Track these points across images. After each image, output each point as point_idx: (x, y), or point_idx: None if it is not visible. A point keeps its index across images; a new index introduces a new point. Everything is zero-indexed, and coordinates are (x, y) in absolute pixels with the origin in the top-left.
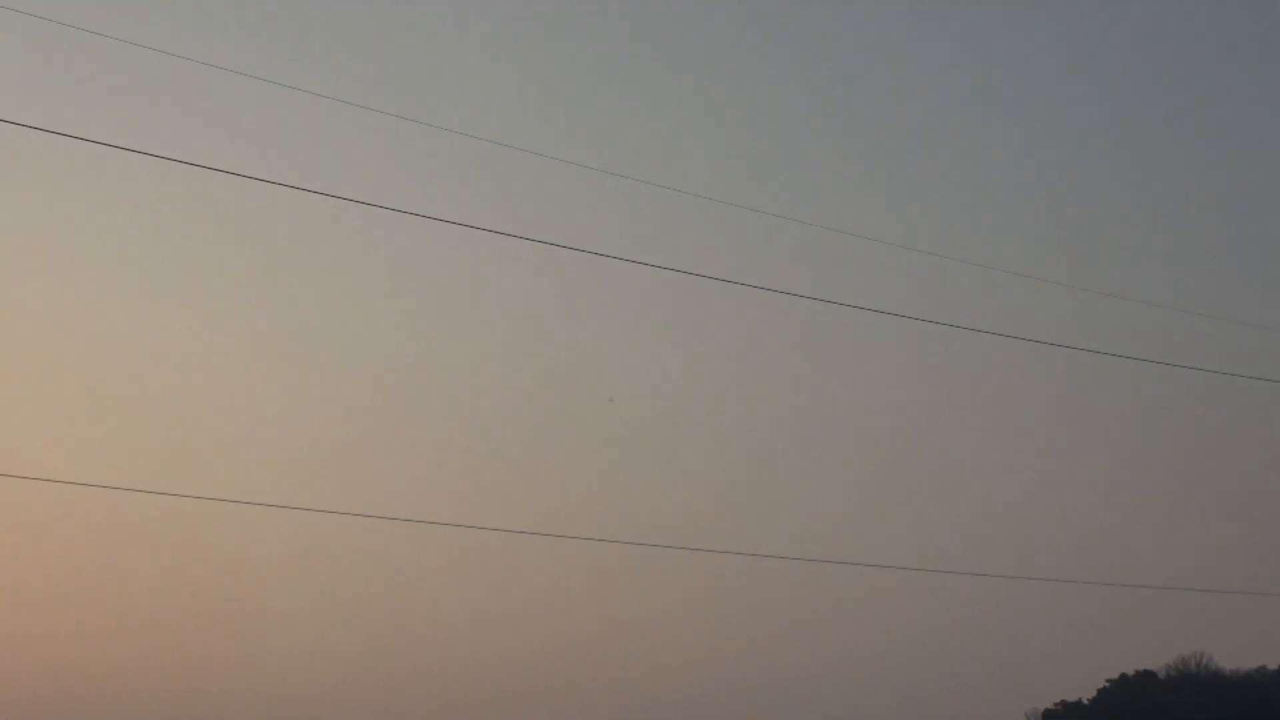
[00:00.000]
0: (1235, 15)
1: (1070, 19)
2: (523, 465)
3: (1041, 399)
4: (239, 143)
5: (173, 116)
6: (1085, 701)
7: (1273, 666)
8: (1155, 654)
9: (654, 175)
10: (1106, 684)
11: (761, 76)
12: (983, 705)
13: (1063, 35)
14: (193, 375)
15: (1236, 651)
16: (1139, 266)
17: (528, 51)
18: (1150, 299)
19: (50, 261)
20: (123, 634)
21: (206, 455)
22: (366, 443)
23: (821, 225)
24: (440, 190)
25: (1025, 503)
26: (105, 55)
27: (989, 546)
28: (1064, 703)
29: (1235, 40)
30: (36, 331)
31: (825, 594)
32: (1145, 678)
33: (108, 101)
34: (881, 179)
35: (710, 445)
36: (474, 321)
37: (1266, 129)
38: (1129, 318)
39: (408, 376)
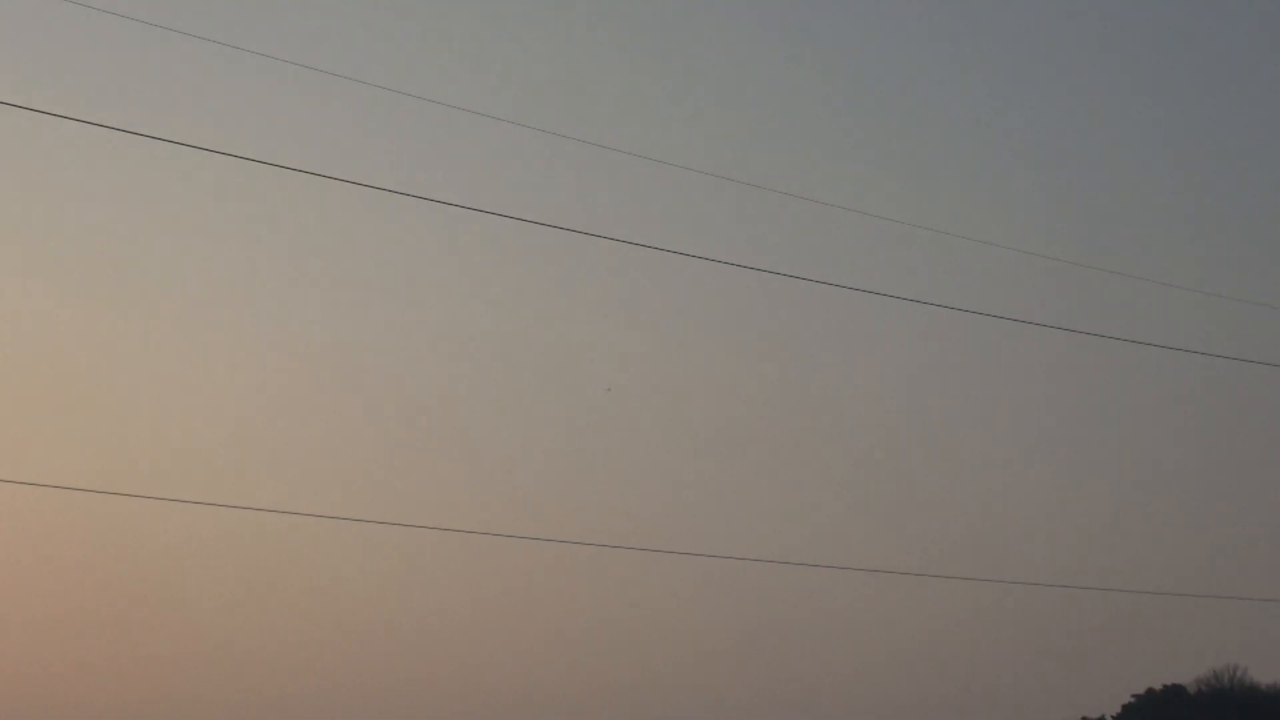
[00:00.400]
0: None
1: None
2: (512, 462)
3: (1058, 389)
4: (209, 120)
5: (155, 97)
6: (1108, 719)
7: None
8: (1185, 667)
9: (653, 152)
10: (1132, 700)
11: (755, 50)
12: None
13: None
14: (139, 373)
15: (1273, 664)
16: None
17: (523, 27)
18: (1187, 283)
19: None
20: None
21: (179, 457)
22: (346, 441)
23: (828, 204)
24: (417, 165)
25: (1040, 501)
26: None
27: (999, 548)
28: None
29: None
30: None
31: (819, 600)
32: (1174, 693)
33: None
34: (880, 156)
35: (711, 440)
36: (458, 306)
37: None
38: (1151, 300)
39: (388, 367)
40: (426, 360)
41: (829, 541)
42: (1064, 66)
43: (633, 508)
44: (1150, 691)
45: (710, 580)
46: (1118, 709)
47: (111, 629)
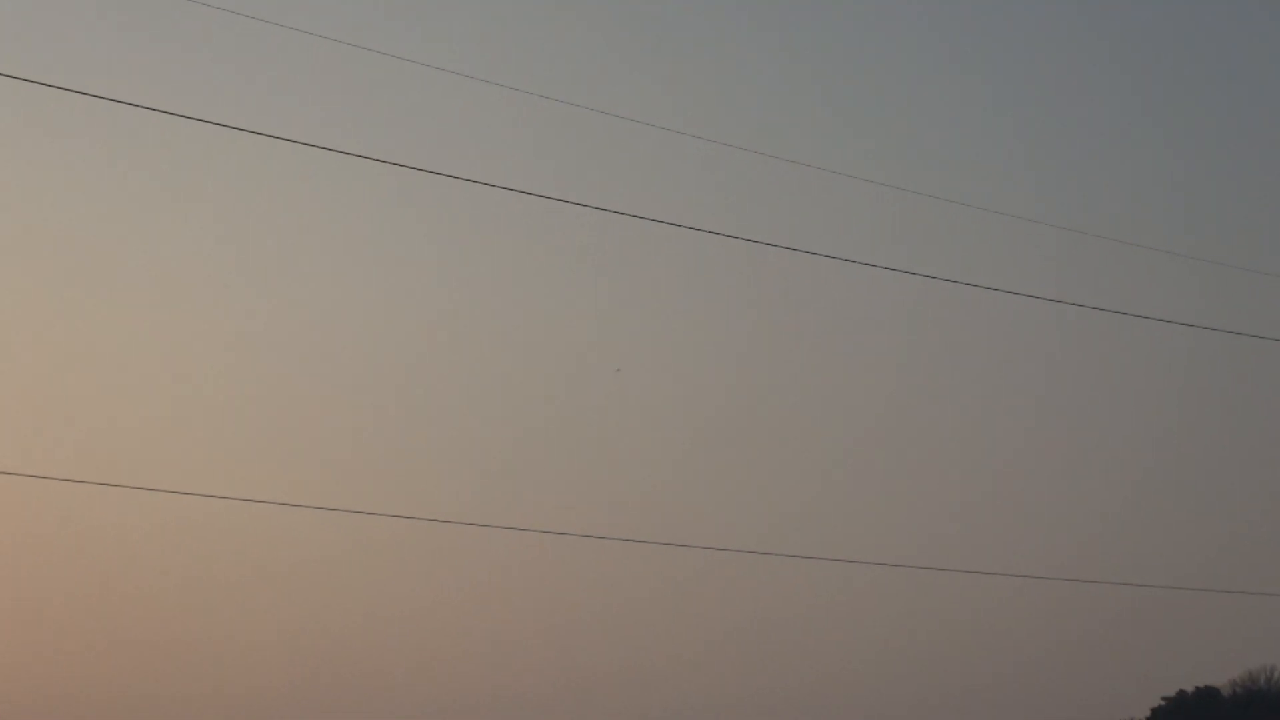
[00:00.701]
0: None
1: None
2: (515, 452)
3: (1080, 366)
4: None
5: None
6: None
7: None
8: (1219, 668)
9: (665, 120)
10: (1162, 703)
11: (747, 14)
12: None
13: None
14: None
15: None
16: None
17: None
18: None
19: None
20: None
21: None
22: (331, 426)
23: (851, 176)
24: (410, 134)
25: (1060, 487)
26: None
27: (1012, 539)
28: None
29: None
30: None
31: (818, 594)
32: (1207, 696)
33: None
34: (888, 117)
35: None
36: (454, 283)
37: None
38: (1170, 272)
39: (380, 349)
40: (420, 341)
41: (842, 533)
42: (1063, 29)
43: (642, 496)
44: (1181, 694)
45: (712, 573)
46: (1146, 712)
47: (86, 621)
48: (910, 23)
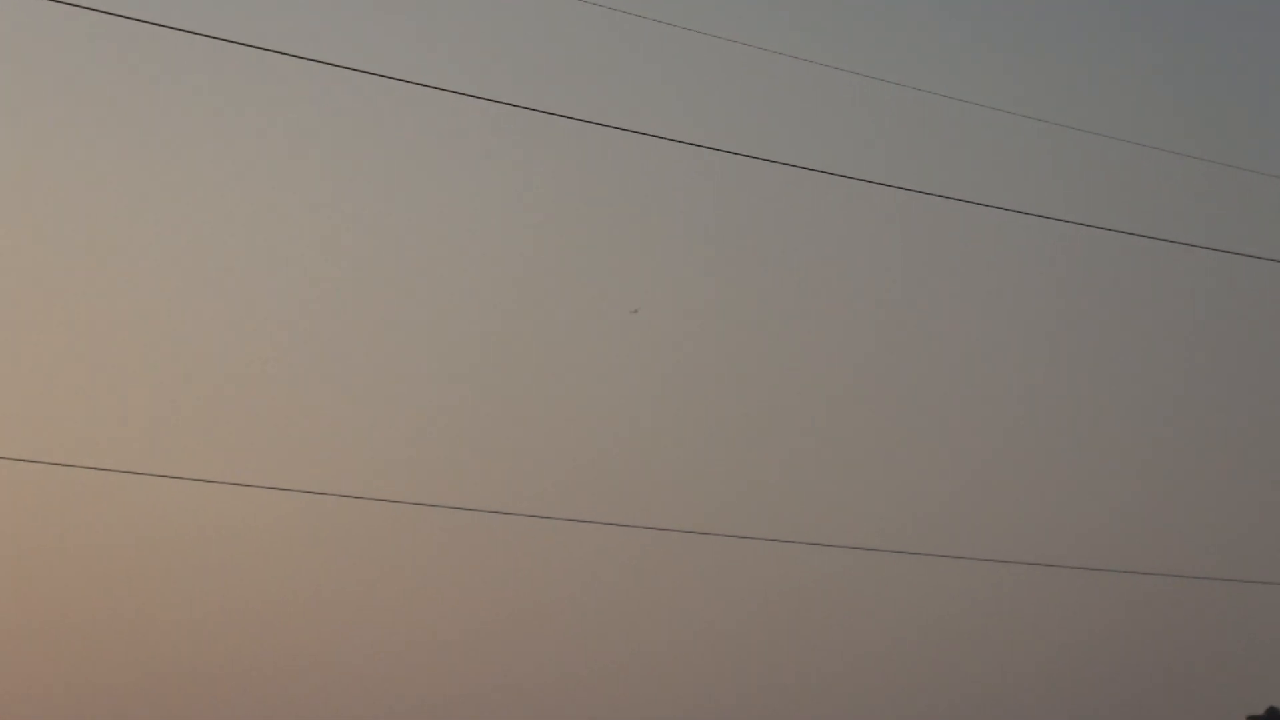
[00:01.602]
0: None
1: None
2: (513, 421)
3: (1165, 304)
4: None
5: None
6: None
7: None
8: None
9: (685, 19)
10: None
11: None
12: None
13: None
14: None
15: None
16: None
17: None
18: None
19: None
20: None
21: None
22: (291, 405)
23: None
24: (402, 44)
25: (1131, 465)
26: None
27: (1094, 529)
28: None
29: None
30: None
31: (825, 582)
32: None
33: None
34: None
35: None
36: (454, 210)
37: None
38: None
39: (364, 278)
40: (407, 281)
41: (841, 514)
42: None
43: (643, 475)
44: (1272, 710)
45: (710, 560)
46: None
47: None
48: None
